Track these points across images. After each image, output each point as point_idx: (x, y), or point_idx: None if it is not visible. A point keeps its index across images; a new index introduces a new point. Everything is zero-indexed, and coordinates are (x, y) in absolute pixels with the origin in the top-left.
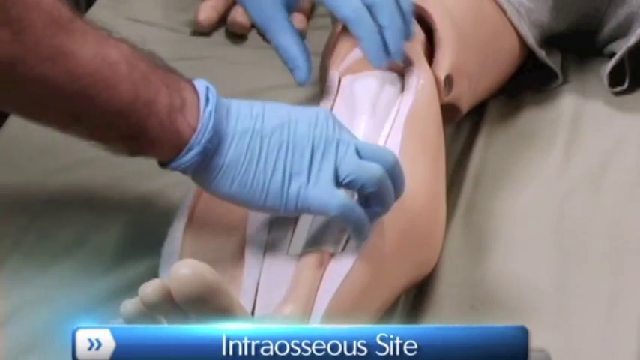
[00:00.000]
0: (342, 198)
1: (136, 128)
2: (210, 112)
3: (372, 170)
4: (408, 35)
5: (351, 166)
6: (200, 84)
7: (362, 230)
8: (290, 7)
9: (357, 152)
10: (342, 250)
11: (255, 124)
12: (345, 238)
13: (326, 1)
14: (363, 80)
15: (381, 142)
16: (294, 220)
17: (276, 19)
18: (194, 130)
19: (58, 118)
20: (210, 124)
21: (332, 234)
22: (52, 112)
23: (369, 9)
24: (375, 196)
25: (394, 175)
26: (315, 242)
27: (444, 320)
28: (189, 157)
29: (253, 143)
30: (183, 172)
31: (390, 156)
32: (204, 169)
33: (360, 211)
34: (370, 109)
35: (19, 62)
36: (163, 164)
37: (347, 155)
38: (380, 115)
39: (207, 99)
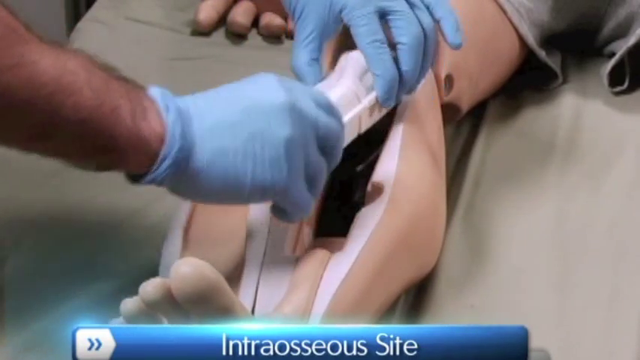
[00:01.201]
0: (309, 199)
1: (104, 136)
2: (174, 120)
3: (323, 166)
4: (422, 77)
5: (313, 158)
6: (154, 91)
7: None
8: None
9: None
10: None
11: (221, 117)
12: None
13: (351, 31)
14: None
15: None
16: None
17: None
18: (160, 137)
19: (24, 132)
20: (178, 131)
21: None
22: (17, 126)
23: (393, 47)
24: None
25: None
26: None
27: (444, 320)
28: (162, 169)
29: (226, 137)
30: (159, 184)
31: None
32: (180, 177)
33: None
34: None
35: None
36: (135, 179)
37: (310, 142)
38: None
39: (165, 104)
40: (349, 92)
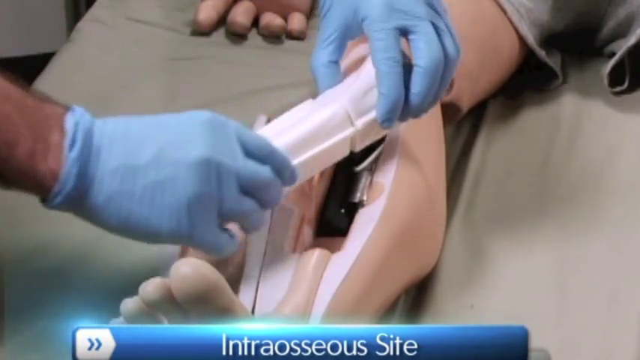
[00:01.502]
0: (225, 241)
1: None
2: (75, 159)
3: (247, 208)
4: (433, 104)
5: (231, 203)
6: (70, 122)
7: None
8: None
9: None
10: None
11: (126, 160)
12: None
13: (368, 43)
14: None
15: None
16: (295, 220)
17: None
18: (55, 176)
19: None
20: (74, 172)
21: None
22: None
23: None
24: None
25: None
26: None
27: (444, 320)
28: (55, 203)
29: (125, 184)
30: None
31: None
32: (77, 211)
33: (237, 241)
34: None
35: None
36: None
37: (226, 187)
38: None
39: (73, 140)
40: (340, 113)
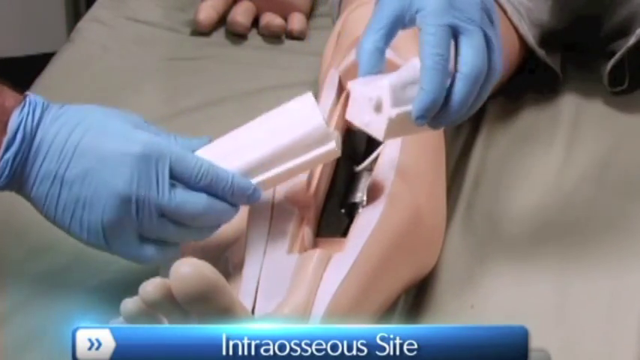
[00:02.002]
0: (149, 253)
1: None
2: (8, 160)
3: (170, 231)
4: (471, 112)
5: (150, 232)
6: (14, 119)
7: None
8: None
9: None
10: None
11: (59, 169)
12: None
13: (419, 36)
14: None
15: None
16: (295, 220)
17: None
18: None
19: None
20: (6, 172)
21: None
22: None
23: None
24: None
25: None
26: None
27: (444, 320)
28: None
29: (52, 190)
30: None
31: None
32: (21, 195)
33: (172, 251)
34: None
35: None
36: None
37: (145, 219)
38: None
39: (12, 140)
40: (321, 128)
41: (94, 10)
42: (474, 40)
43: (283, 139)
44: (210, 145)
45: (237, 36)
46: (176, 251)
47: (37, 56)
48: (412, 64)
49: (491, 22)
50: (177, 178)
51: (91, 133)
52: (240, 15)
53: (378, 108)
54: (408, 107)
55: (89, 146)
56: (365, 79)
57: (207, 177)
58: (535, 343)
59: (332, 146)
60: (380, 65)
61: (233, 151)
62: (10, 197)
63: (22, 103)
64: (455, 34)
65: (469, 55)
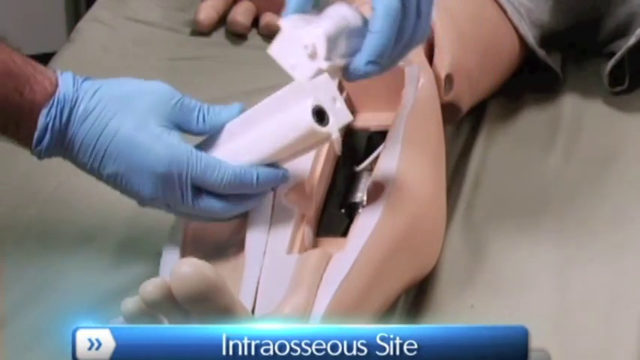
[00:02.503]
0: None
1: None
2: (40, 151)
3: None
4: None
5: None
6: (42, 117)
7: None
8: None
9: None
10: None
11: (92, 163)
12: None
13: None
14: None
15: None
16: (295, 220)
17: None
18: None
19: None
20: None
21: None
22: None
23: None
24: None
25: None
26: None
27: (444, 320)
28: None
29: (91, 172)
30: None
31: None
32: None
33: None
34: None
35: None
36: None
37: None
38: None
39: (42, 136)
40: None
41: (94, 10)
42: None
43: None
44: (230, 131)
45: (237, 36)
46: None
47: (37, 56)
48: (341, 13)
49: None
50: (201, 186)
51: (121, 135)
52: (240, 15)
53: (312, 56)
54: (341, 61)
55: (118, 150)
56: (296, 18)
57: (232, 185)
58: (535, 343)
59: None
60: (309, 4)
61: (250, 143)
62: (12, 197)
63: (51, 101)
64: None
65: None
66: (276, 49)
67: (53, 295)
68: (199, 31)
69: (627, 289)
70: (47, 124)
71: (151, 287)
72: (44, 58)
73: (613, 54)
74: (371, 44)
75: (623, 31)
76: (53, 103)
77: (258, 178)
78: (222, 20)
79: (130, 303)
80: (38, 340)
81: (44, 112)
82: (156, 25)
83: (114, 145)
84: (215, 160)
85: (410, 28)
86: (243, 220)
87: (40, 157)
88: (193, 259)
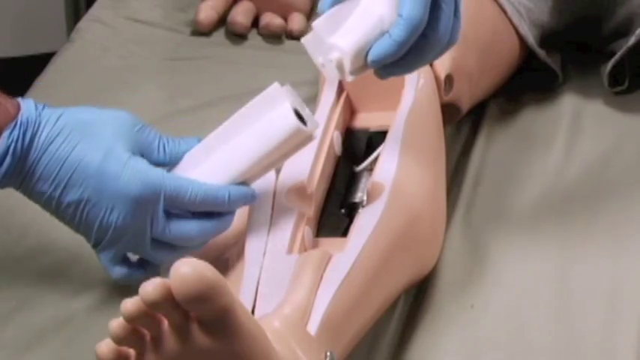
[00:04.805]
0: (117, 273)
1: None
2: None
3: (159, 259)
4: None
5: (143, 256)
6: (4, 140)
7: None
8: None
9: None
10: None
11: (52, 192)
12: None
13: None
14: None
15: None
16: (295, 220)
17: None
18: None
19: None
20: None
21: None
22: None
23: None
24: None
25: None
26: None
27: (444, 320)
28: None
29: (48, 206)
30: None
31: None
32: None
33: (140, 274)
34: None
35: None
36: None
37: (138, 248)
38: None
39: (1, 161)
40: (293, 132)
41: (94, 10)
42: (449, 6)
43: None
44: (195, 152)
45: (237, 36)
46: (155, 270)
47: (37, 56)
48: (378, 15)
49: None
50: (172, 208)
51: (85, 163)
52: (240, 15)
53: (339, 68)
54: (366, 72)
55: (84, 177)
56: (329, 18)
57: (204, 204)
58: (535, 342)
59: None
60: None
61: (220, 160)
62: (10, 197)
63: (14, 123)
64: None
65: (444, 18)
66: (308, 43)
67: (53, 295)
68: (199, 31)
69: (627, 289)
70: (9, 147)
71: (151, 287)
72: (44, 58)
73: (613, 54)
74: (398, 27)
75: (623, 31)
76: (16, 126)
77: (230, 195)
78: (222, 20)
79: (130, 303)
80: (38, 340)
81: (5, 134)
82: (156, 25)
83: (80, 171)
84: (187, 179)
85: (449, 29)
86: (244, 219)
87: None
88: (193, 260)
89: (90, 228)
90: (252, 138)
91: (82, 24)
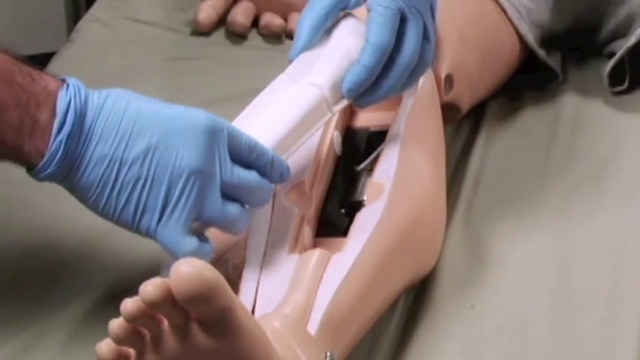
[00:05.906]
0: (189, 245)
1: None
2: (61, 141)
3: (232, 216)
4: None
5: (213, 212)
6: (62, 100)
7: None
8: None
9: (223, 185)
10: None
11: (115, 150)
12: None
13: (369, 18)
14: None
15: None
16: (295, 220)
17: None
18: (42, 156)
19: None
20: (59, 154)
21: None
22: None
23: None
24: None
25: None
26: None
27: (444, 320)
28: (38, 177)
29: (108, 173)
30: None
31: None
32: (64, 183)
33: (209, 249)
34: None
35: None
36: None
37: (209, 197)
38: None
39: (62, 122)
40: (320, 101)
41: (94, 10)
42: (416, 29)
43: (289, 120)
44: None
45: (237, 36)
46: (213, 250)
47: (37, 56)
48: (345, 48)
49: (433, 15)
50: (230, 153)
51: (146, 111)
52: (240, 15)
53: None
54: (345, 103)
55: (149, 123)
56: (300, 62)
57: (256, 152)
58: (535, 343)
59: (328, 116)
60: (315, 41)
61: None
62: (11, 197)
63: (65, 84)
64: (402, 19)
65: (409, 41)
66: (283, 85)
67: (53, 295)
68: (199, 31)
69: (627, 289)
70: (69, 103)
71: (150, 287)
72: (44, 58)
73: (613, 54)
74: (353, 74)
75: (623, 31)
76: (68, 86)
77: (273, 155)
78: (222, 20)
79: (130, 303)
80: (38, 341)
81: (61, 93)
82: (156, 25)
83: (142, 120)
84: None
85: (417, 52)
86: None
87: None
88: (193, 260)
89: (160, 183)
90: (278, 110)
91: (82, 24)
